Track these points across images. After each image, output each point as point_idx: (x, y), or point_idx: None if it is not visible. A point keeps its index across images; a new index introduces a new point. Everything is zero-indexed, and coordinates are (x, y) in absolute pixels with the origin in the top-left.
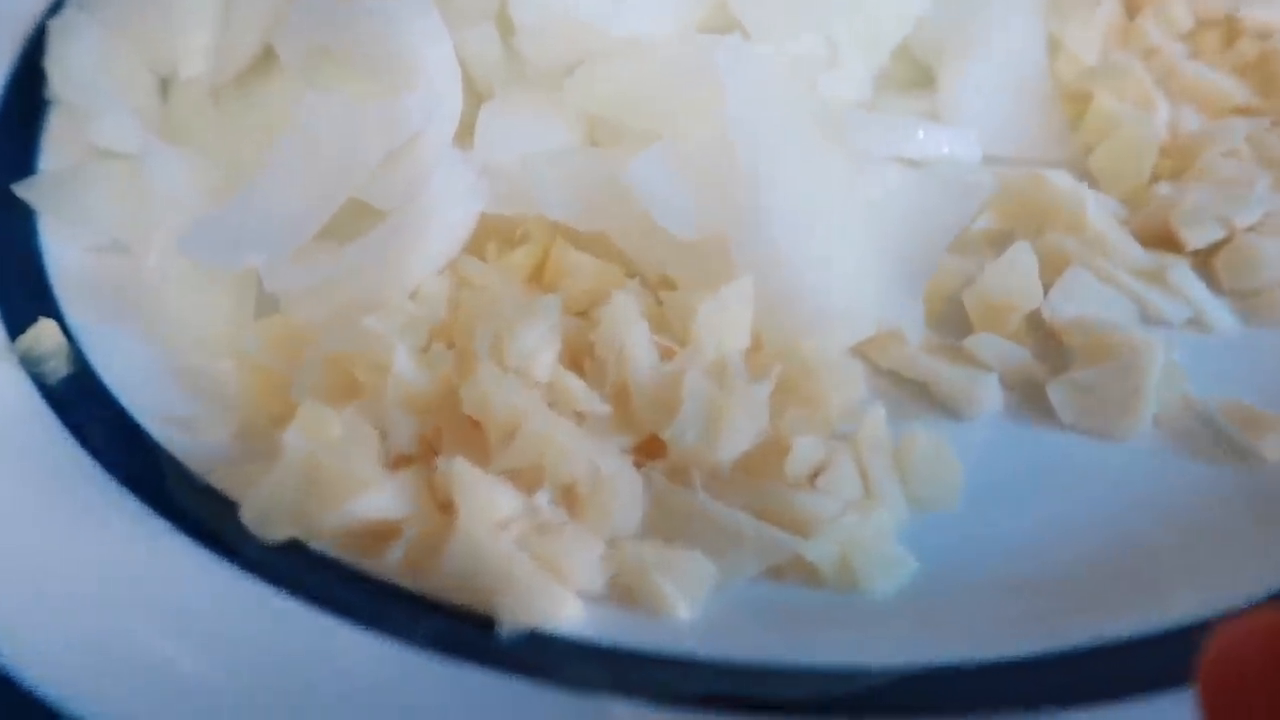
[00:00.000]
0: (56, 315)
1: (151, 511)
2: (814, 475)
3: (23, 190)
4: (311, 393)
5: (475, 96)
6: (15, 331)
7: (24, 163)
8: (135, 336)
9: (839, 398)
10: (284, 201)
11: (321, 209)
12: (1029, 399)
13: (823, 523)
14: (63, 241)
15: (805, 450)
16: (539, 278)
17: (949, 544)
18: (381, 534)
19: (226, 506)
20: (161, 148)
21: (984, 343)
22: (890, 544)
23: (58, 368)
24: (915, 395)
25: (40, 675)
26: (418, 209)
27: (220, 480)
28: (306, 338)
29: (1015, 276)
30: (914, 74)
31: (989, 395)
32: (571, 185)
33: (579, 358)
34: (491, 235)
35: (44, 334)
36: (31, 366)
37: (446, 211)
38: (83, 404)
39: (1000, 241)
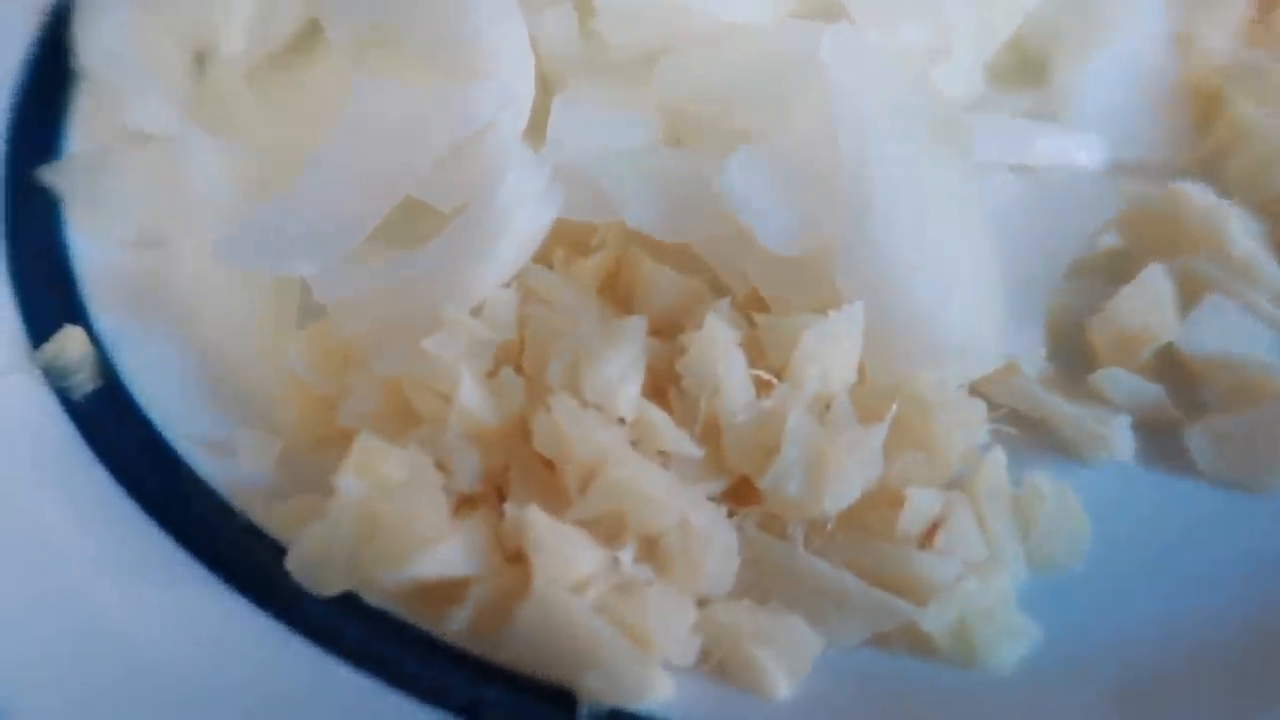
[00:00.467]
0: (83, 319)
1: (188, 553)
2: (930, 531)
3: (49, 175)
4: (363, 420)
5: (547, 86)
6: (38, 338)
7: (49, 145)
8: (168, 345)
9: (959, 440)
10: (333, 201)
11: (375, 210)
12: (1162, 443)
13: (941, 587)
14: (91, 235)
15: (922, 503)
16: (612, 289)
17: (1072, 609)
18: (446, 591)
19: (270, 549)
20: (198, 135)
21: (1112, 379)
22: (1012, 611)
23: (84, 381)
24: (1033, 437)
25: None
26: (485, 213)
27: (264, 517)
28: (356, 354)
29: (1148, 304)
30: (1025, 67)
31: (1120, 439)
32: (653, 189)
33: (659, 388)
34: (560, 241)
35: (70, 342)
36: (56, 379)
37: (517, 216)
38: (112, 424)
39: (1125, 264)
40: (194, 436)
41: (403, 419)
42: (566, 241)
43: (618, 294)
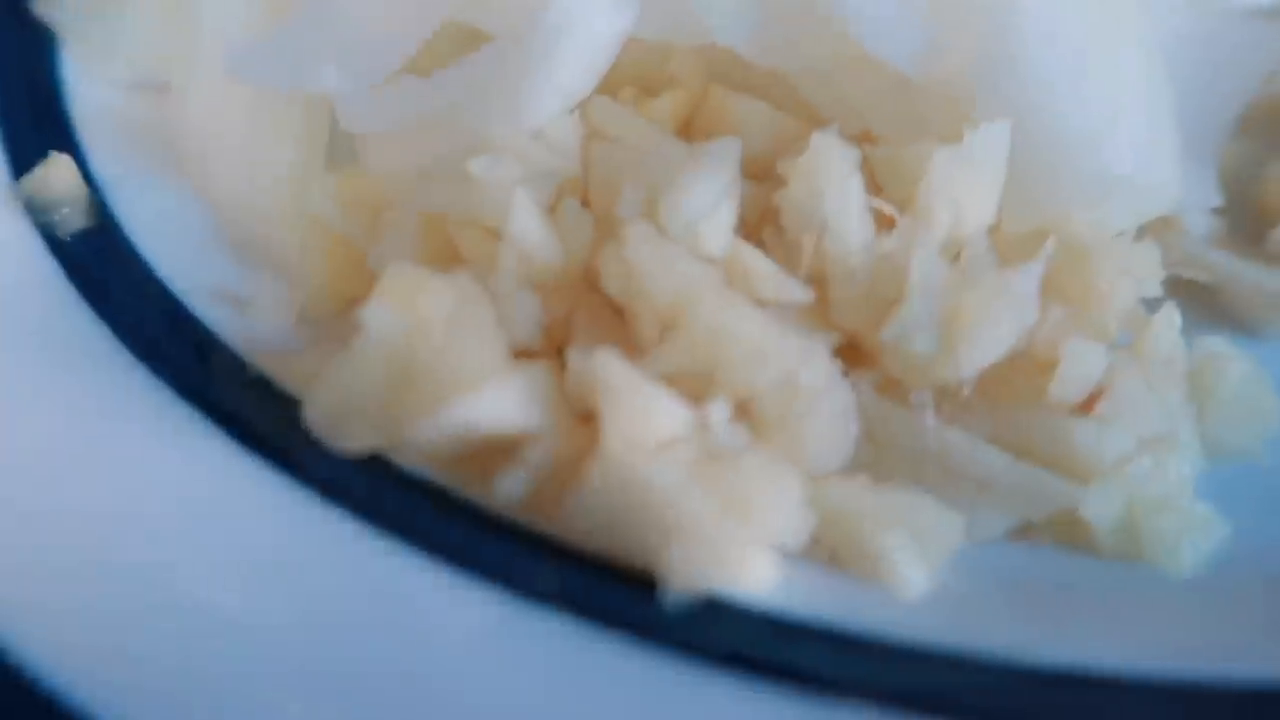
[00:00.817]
0: (76, 157)
1: (189, 406)
2: (1091, 400)
3: (43, 9)
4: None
5: None
6: (21, 170)
7: None
8: (174, 193)
9: (1127, 293)
10: (366, 19)
11: (414, 31)
12: None
13: (1107, 465)
14: (90, 77)
15: (1083, 363)
16: (687, 132)
17: (1259, 504)
18: (498, 451)
19: (287, 405)
20: None
21: None
22: (1192, 499)
23: (72, 218)
24: (1200, 304)
25: (31, 623)
26: (542, 27)
27: (279, 370)
28: (393, 197)
29: None
30: None
31: None
32: (750, 1)
33: (753, 238)
34: (627, 79)
35: (56, 174)
36: (39, 214)
37: (579, 27)
38: (104, 265)
39: None
40: (200, 287)
41: (447, 264)
42: (636, 81)
43: (697, 140)
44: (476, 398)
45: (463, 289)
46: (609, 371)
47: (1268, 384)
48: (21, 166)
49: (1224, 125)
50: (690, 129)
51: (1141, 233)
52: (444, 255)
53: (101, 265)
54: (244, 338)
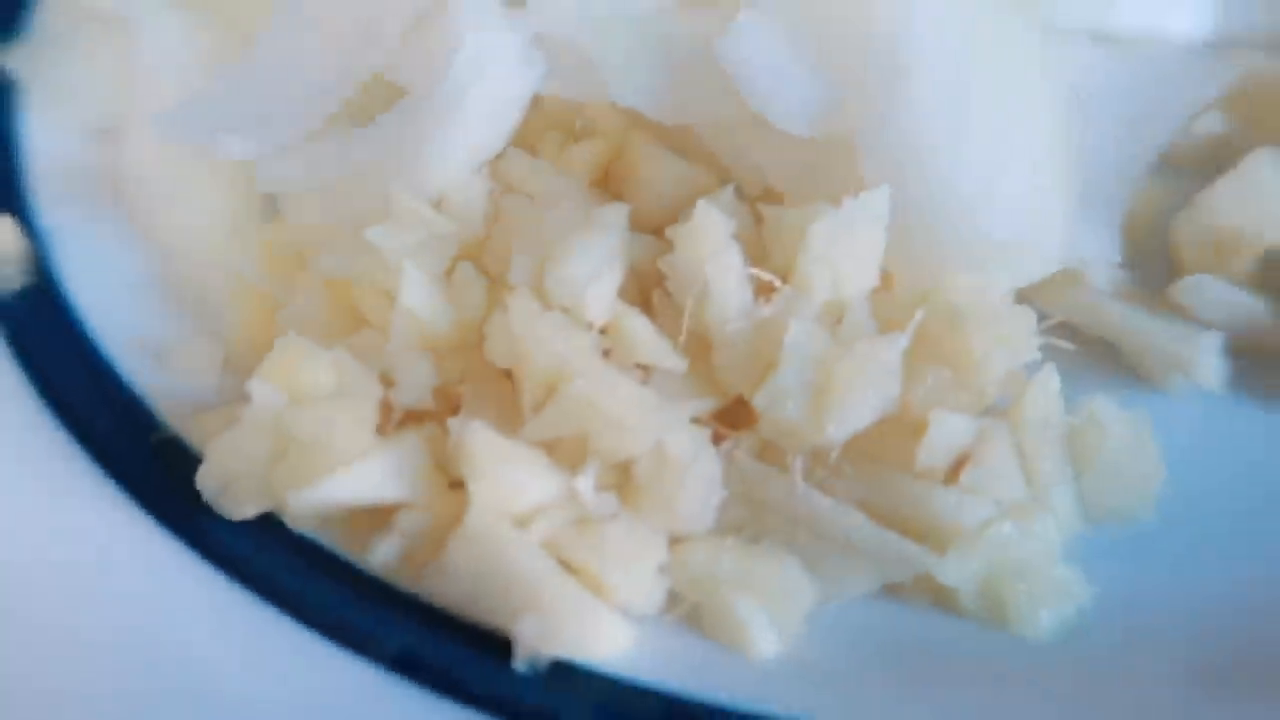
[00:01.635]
0: (21, 211)
1: (96, 465)
2: (957, 466)
3: (5, 57)
4: (304, 324)
5: None
6: None
7: (10, 28)
8: (116, 242)
9: (1000, 359)
10: (287, 77)
11: (333, 88)
12: (1258, 371)
13: (966, 532)
14: (46, 123)
15: (948, 430)
16: (605, 182)
17: (1133, 571)
18: (373, 518)
19: (189, 466)
20: (157, 9)
21: (1200, 288)
22: (1054, 565)
23: (10, 276)
24: (1100, 359)
25: None
26: (445, 86)
27: (192, 427)
28: (308, 254)
29: (1251, 197)
30: None
31: (1206, 362)
32: (651, 61)
33: (647, 291)
34: (547, 126)
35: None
36: None
37: (485, 87)
38: (37, 323)
39: (1226, 153)
40: (131, 339)
41: (350, 324)
42: (558, 128)
43: (612, 189)
44: (347, 473)
45: (341, 366)
46: (477, 441)
47: (1150, 446)
48: None
49: (1135, 169)
50: (608, 177)
51: (1041, 286)
52: (349, 316)
53: (35, 323)
54: (165, 392)
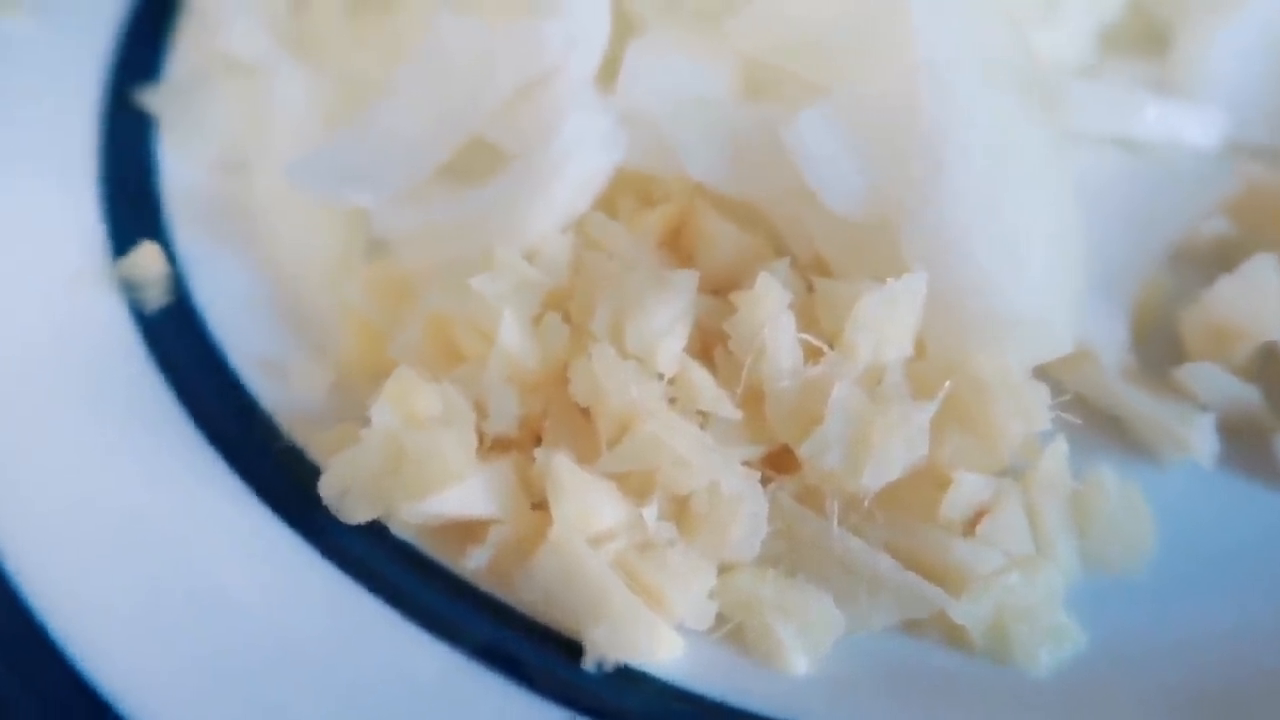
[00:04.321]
0: (163, 237)
1: (229, 466)
2: (975, 519)
3: (146, 97)
4: (411, 355)
5: (623, 29)
6: (119, 251)
7: (149, 67)
8: (241, 267)
9: (1017, 427)
10: (402, 133)
11: (442, 144)
12: (1247, 449)
13: (979, 578)
14: (180, 156)
15: (968, 488)
16: (675, 243)
17: (1127, 619)
18: (470, 531)
19: (310, 474)
20: (286, 60)
21: (1201, 374)
22: (1056, 611)
23: (156, 296)
24: (1105, 431)
25: (76, 629)
26: (547, 155)
27: (309, 439)
28: (414, 289)
29: (1251, 297)
30: (1145, 33)
31: (1201, 439)
32: (721, 142)
33: (710, 345)
34: (625, 191)
35: (147, 258)
36: (130, 292)
37: (578, 160)
38: (176, 338)
39: (1232, 253)
40: (253, 358)
41: (450, 357)
42: (634, 194)
43: (680, 250)
44: (452, 490)
45: (448, 397)
46: (560, 470)
47: (1144, 510)
48: (118, 236)
49: (1146, 262)
50: (677, 240)
51: (1056, 364)
52: (449, 351)
53: (175, 339)
54: (283, 405)
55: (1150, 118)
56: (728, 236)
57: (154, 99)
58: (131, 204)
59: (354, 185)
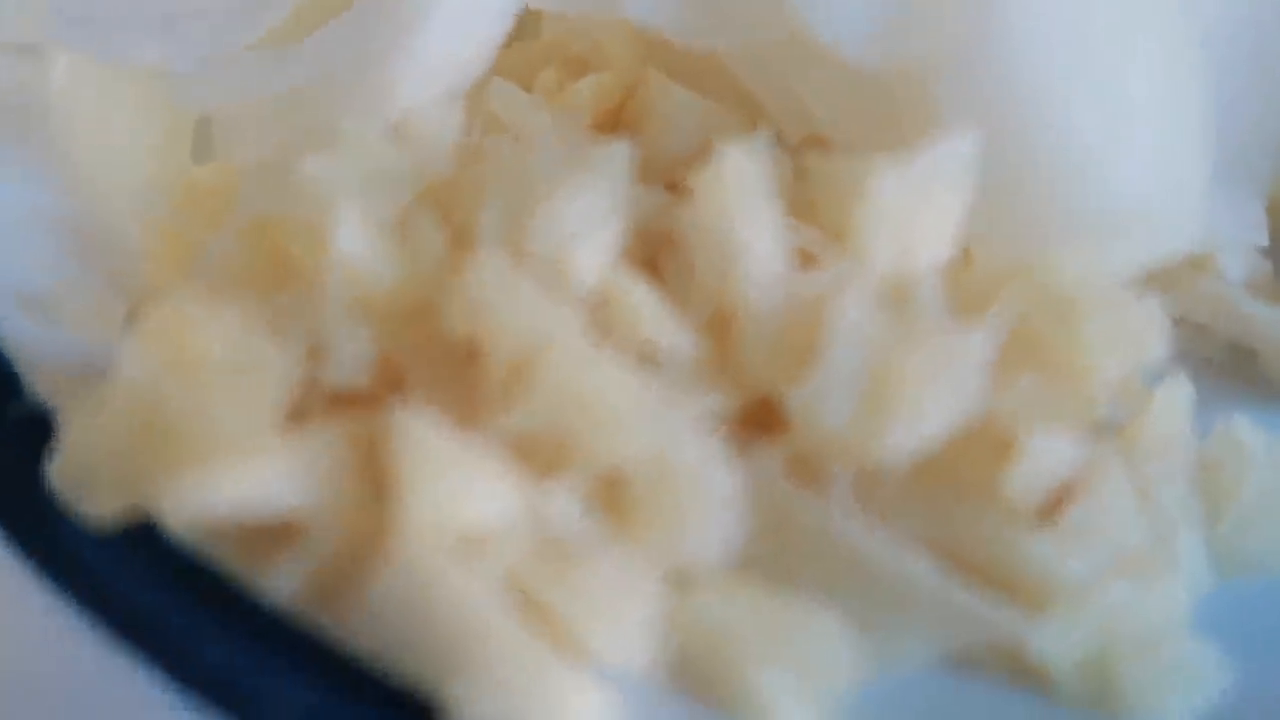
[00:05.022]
0: None
1: None
2: (1057, 500)
3: None
4: (223, 278)
5: None
6: None
7: None
8: (17, 171)
9: (1117, 362)
10: None
11: None
12: None
13: (1069, 591)
14: None
15: (1047, 454)
16: (614, 124)
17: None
18: (274, 533)
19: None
20: None
21: None
22: (1183, 637)
23: None
24: (1232, 368)
25: None
26: None
27: (69, 402)
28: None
29: None
30: None
31: None
32: None
33: (655, 254)
34: (547, 57)
35: None
36: None
37: None
38: None
39: None
40: (13, 291)
41: (280, 280)
42: (556, 58)
43: (621, 132)
44: (237, 470)
45: (239, 327)
46: (417, 436)
47: None
48: None
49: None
50: (617, 120)
51: (1153, 277)
52: (277, 268)
53: None
54: (45, 354)
55: None
56: (686, 108)
57: None
58: None
59: (147, 40)
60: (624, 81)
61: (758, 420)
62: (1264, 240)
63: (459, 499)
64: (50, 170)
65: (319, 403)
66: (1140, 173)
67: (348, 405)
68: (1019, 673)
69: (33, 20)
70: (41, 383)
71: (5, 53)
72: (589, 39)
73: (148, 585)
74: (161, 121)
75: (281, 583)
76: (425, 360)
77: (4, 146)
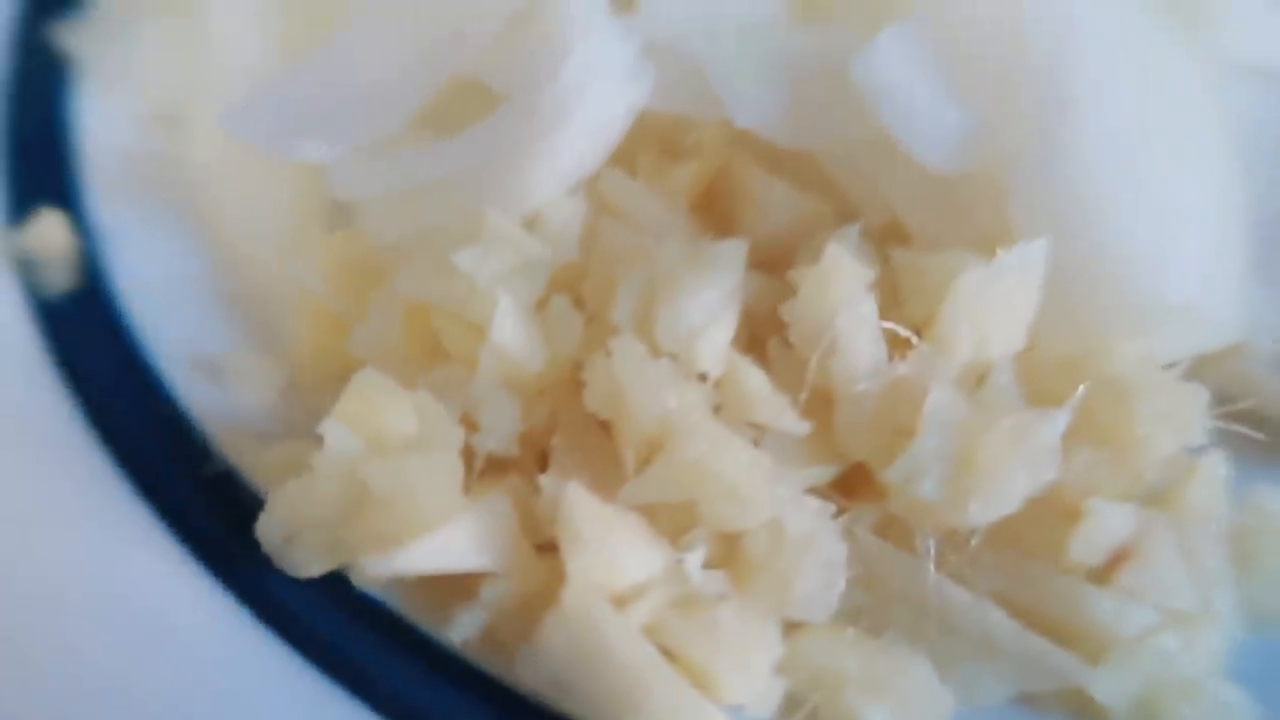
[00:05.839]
0: (73, 203)
1: (141, 499)
2: (1115, 562)
3: (65, 35)
4: (379, 352)
5: None
6: (16, 220)
7: (68, 3)
8: (171, 242)
9: (1166, 440)
10: (368, 74)
11: (417, 85)
12: None
13: (1124, 641)
14: (102, 108)
15: (1107, 522)
16: (709, 207)
17: None
18: (455, 587)
19: (250, 507)
20: None
21: None
22: (1220, 682)
23: (59, 276)
24: (1266, 443)
25: None
26: (549, 95)
27: (249, 459)
28: (385, 269)
29: None
30: None
31: None
32: (770, 77)
33: (763, 338)
34: (646, 143)
35: (49, 230)
36: (27, 273)
37: (589, 102)
38: (81, 330)
39: None
40: (182, 356)
41: (429, 355)
42: (657, 144)
43: (716, 215)
44: (430, 538)
45: (426, 411)
46: (574, 505)
47: None
48: (22, 205)
49: None
50: (709, 202)
51: (1197, 361)
52: (428, 347)
53: (81, 330)
54: (221, 416)
55: None
56: (778, 197)
57: (72, 38)
58: (35, 164)
59: (306, 136)
60: (717, 166)
61: (855, 490)
62: None
63: (611, 558)
64: (199, 238)
65: (473, 470)
66: (1188, 272)
67: (498, 470)
68: (1080, 711)
69: (176, 94)
70: (220, 442)
71: (148, 124)
72: (684, 126)
73: (346, 627)
74: (297, 192)
75: (464, 629)
76: (568, 435)
77: (154, 213)
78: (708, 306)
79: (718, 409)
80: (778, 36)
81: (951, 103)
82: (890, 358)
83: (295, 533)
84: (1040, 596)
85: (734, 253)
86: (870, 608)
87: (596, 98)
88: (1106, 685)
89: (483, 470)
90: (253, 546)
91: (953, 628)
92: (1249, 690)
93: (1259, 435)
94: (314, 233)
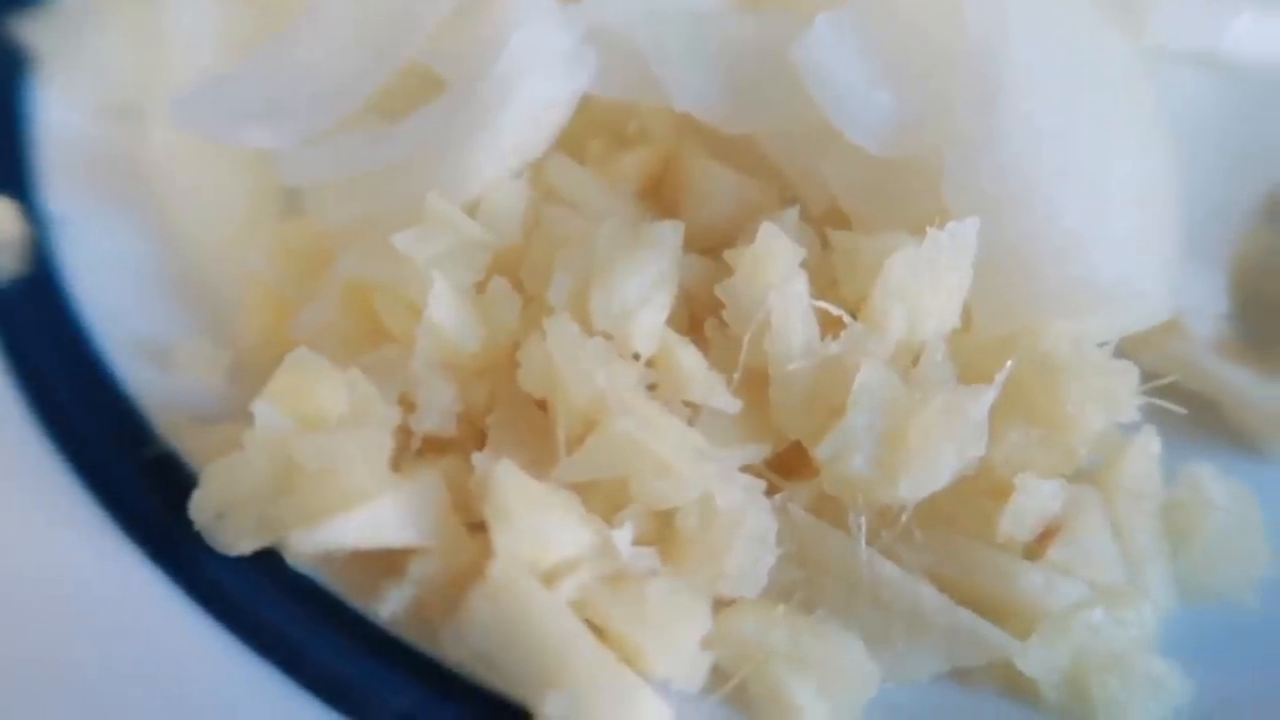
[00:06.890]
0: (24, 193)
1: (77, 479)
2: (1045, 538)
3: (20, 28)
4: (321, 334)
5: None
6: None
7: None
8: (123, 229)
9: (1096, 417)
10: (317, 64)
11: (365, 75)
12: None
13: (1052, 616)
14: (59, 98)
15: (1036, 497)
16: (656, 193)
17: (1238, 662)
18: (384, 564)
19: (182, 489)
20: None
21: None
22: (1152, 656)
23: (5, 265)
24: (1198, 420)
25: None
26: (491, 80)
27: (190, 447)
28: (332, 254)
29: None
30: None
31: None
32: (711, 62)
33: (699, 318)
34: (595, 130)
35: (1, 218)
36: None
37: (531, 86)
38: (28, 314)
39: None
40: (130, 340)
41: (370, 337)
42: (607, 132)
43: (663, 201)
44: (358, 513)
45: (358, 388)
46: (505, 483)
47: (1255, 520)
48: None
49: (1243, 210)
50: (658, 189)
51: (1127, 340)
52: (370, 329)
53: (28, 316)
54: (165, 401)
55: (1242, 30)
56: (721, 182)
57: (31, 30)
58: None
59: (254, 124)
60: (663, 154)
61: (788, 468)
62: (1225, 306)
63: (540, 534)
64: (151, 227)
65: (409, 449)
66: (1118, 253)
67: (435, 450)
68: (1010, 685)
69: (132, 86)
70: (163, 426)
71: (104, 116)
72: (632, 114)
73: (277, 604)
74: (249, 182)
75: (392, 605)
76: (503, 414)
77: (108, 203)
78: (641, 287)
79: (653, 388)
80: (718, 22)
81: (887, 88)
82: (823, 337)
83: (226, 510)
84: (971, 572)
85: (670, 234)
86: (803, 584)
87: (536, 84)
88: (1035, 659)
89: (421, 450)
90: (189, 526)
91: (884, 604)
92: (1182, 664)
93: (1187, 411)
94: (265, 220)
